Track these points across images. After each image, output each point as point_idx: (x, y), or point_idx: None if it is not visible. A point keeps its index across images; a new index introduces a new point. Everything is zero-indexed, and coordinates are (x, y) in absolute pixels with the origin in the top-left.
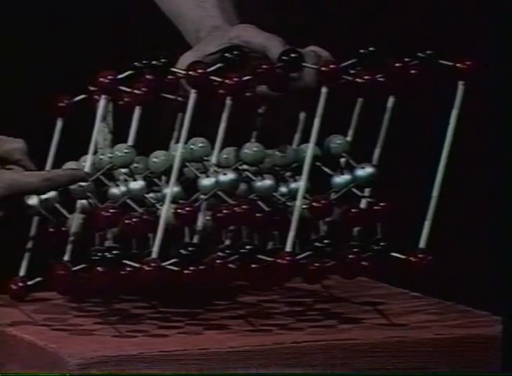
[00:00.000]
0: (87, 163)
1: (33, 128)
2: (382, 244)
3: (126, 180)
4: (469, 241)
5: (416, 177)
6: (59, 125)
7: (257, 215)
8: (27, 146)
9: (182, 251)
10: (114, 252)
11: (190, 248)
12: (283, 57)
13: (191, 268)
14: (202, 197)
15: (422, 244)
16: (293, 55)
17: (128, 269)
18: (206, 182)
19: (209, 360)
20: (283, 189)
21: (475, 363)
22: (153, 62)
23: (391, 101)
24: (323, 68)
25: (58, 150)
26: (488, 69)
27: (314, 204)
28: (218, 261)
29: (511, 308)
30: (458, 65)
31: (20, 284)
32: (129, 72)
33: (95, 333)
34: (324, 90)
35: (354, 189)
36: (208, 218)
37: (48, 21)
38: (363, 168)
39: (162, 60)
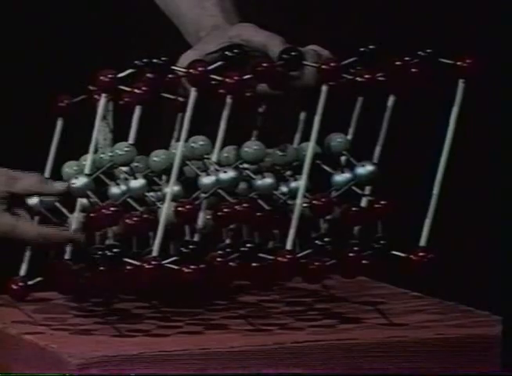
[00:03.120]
0: (87, 162)
1: (33, 128)
2: (382, 242)
3: (126, 179)
4: (469, 241)
5: (416, 175)
6: (59, 125)
7: (258, 213)
8: (43, 178)
9: (182, 249)
10: (115, 251)
11: (191, 247)
12: (284, 56)
13: (191, 266)
14: (202, 195)
15: (423, 242)
16: (293, 53)
17: (129, 267)
18: (206, 180)
19: (209, 360)
20: (284, 187)
21: (475, 363)
22: (154, 61)
23: (391, 99)
24: (323, 67)
25: (58, 150)
26: (488, 67)
27: (314, 202)
28: (218, 259)
29: (511, 308)
30: (458, 63)
31: (21, 284)
32: (129, 71)
33: (95, 333)
34: (324, 88)
35: (354, 188)
36: (209, 216)
37: (48, 21)
38: (364, 166)
39: (162, 59)
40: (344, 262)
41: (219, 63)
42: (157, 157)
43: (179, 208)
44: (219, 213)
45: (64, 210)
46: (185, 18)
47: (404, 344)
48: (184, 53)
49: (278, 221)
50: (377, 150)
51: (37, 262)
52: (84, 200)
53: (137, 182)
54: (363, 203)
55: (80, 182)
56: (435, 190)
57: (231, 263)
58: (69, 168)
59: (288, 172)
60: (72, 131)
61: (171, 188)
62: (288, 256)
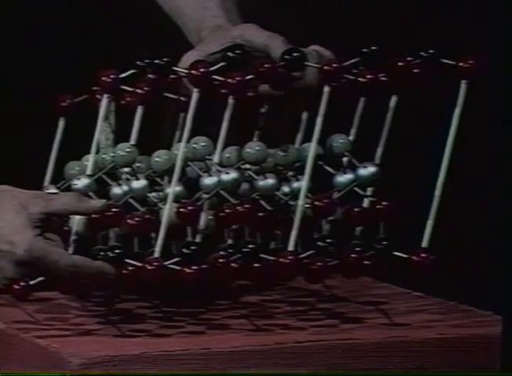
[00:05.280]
0: (89, 163)
1: (35, 128)
2: (384, 243)
3: (128, 179)
4: (470, 241)
5: (418, 176)
6: (61, 125)
7: (260, 214)
8: (80, 196)
9: (184, 250)
10: (117, 251)
11: (193, 247)
12: (286, 56)
13: (193, 267)
14: (204, 196)
15: (424, 243)
16: (295, 54)
17: (131, 268)
18: (208, 181)
19: (211, 360)
20: (286, 188)
21: (476, 363)
22: (156, 61)
23: (393, 100)
24: (326, 67)
25: (60, 150)
26: (490, 68)
27: (316, 203)
28: (220, 260)
29: (511, 308)
30: (460, 64)
31: (22, 284)
32: (131, 71)
33: (97, 333)
34: (326, 89)
35: (356, 189)
36: (210, 217)
37: (49, 21)
38: (366, 167)
39: (164, 59)
40: (345, 263)
41: (221, 63)
42: (159, 157)
43: (181, 209)
44: (221, 214)
45: None
46: (188, 18)
47: (405, 344)
48: (186, 54)
49: (280, 221)
50: (379, 150)
51: None
52: None
53: (139, 183)
54: (365, 204)
55: (82, 183)
56: (437, 191)
57: (233, 264)
58: (71, 168)
59: (290, 173)
60: (74, 131)
61: (173, 188)
62: (290, 257)
